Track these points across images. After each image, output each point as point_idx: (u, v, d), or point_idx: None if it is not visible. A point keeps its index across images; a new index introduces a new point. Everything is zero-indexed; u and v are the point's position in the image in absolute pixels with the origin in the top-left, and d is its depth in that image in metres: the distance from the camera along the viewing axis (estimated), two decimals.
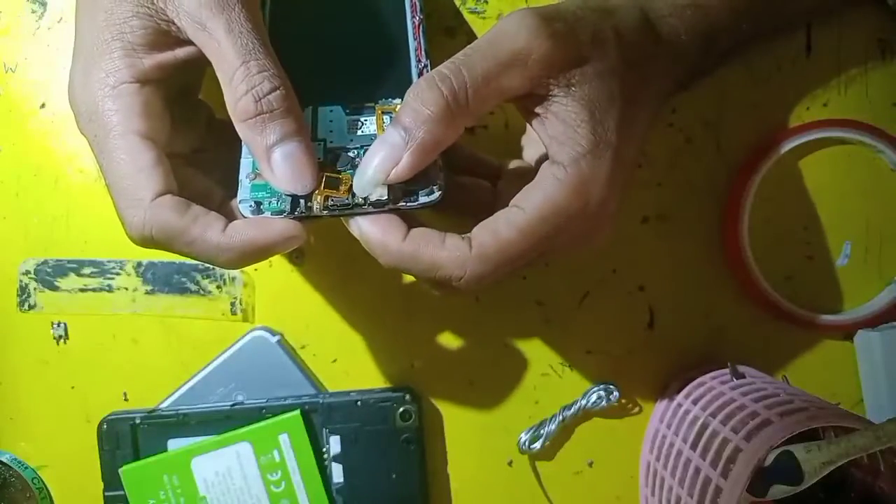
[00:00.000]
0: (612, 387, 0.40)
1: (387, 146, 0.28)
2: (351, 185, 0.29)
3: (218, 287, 0.41)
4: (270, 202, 0.29)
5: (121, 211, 0.29)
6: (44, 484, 0.41)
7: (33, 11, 0.42)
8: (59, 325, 0.41)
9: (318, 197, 0.29)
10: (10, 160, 0.42)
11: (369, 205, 0.29)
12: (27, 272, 0.41)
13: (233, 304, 0.41)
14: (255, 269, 0.41)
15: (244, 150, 0.31)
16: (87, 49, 0.30)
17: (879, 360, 0.39)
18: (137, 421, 0.39)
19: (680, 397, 0.38)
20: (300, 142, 0.28)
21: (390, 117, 0.31)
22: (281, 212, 0.29)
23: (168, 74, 0.30)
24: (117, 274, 0.41)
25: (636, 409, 0.41)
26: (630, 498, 0.41)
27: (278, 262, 0.41)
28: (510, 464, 0.41)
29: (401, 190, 0.29)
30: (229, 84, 0.28)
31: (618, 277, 0.41)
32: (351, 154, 0.31)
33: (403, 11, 0.35)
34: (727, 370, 0.38)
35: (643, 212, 0.41)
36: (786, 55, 0.40)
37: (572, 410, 0.40)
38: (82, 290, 0.41)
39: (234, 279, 0.41)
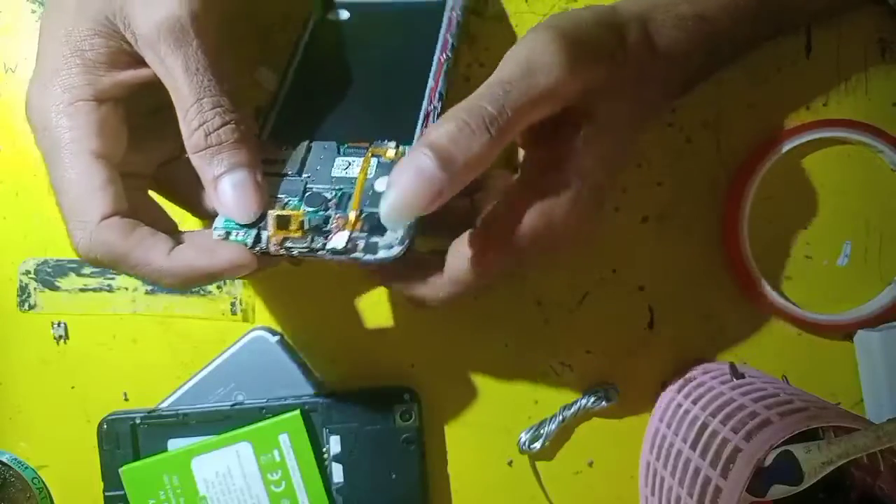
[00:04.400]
0: (612, 387, 0.40)
1: (425, 180, 0.26)
2: (303, 223, 0.29)
3: (218, 287, 0.41)
4: (238, 234, 0.30)
5: (68, 230, 0.29)
6: (44, 484, 0.41)
7: (33, 11, 0.42)
8: (59, 324, 0.41)
9: (274, 237, 0.29)
10: (10, 160, 0.42)
11: (327, 250, 0.29)
12: (27, 272, 0.41)
13: (233, 304, 0.41)
14: None
15: None
16: (47, 64, 0.29)
17: (879, 360, 0.39)
18: (137, 421, 0.39)
19: (680, 397, 0.38)
20: (247, 172, 0.29)
21: (378, 161, 0.31)
22: (244, 245, 0.30)
23: (128, 92, 0.30)
24: (117, 274, 0.41)
25: (636, 409, 0.41)
26: (630, 498, 0.41)
27: None
28: (510, 464, 0.41)
29: (362, 240, 0.29)
30: (184, 119, 0.29)
31: (618, 277, 0.41)
32: (327, 195, 0.31)
33: (434, 48, 0.34)
34: (727, 370, 0.38)
35: (643, 212, 0.41)
36: (785, 56, 0.40)
37: (572, 410, 0.40)
38: (82, 290, 0.41)
39: (233, 279, 0.41)
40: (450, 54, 0.34)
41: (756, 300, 0.40)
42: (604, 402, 0.40)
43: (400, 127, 0.32)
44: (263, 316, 0.41)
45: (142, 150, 0.32)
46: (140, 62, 0.29)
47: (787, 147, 0.39)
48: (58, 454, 0.41)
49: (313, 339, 0.41)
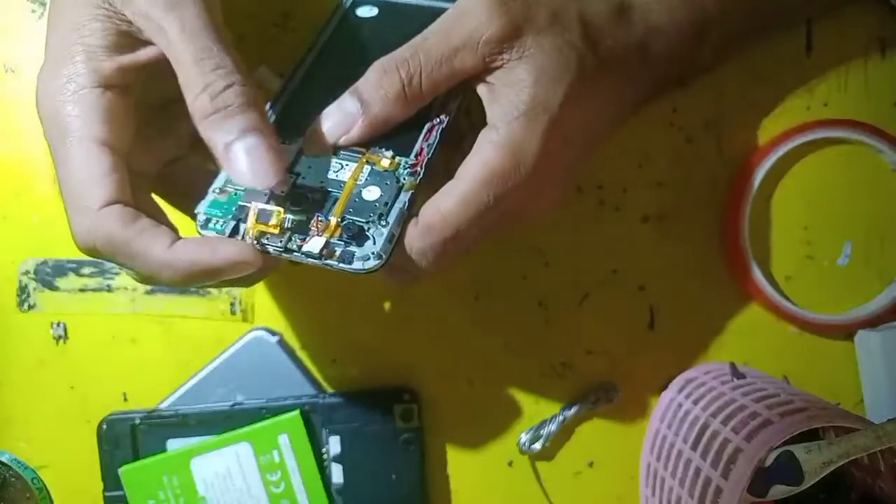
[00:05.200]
0: (612, 387, 0.40)
1: (341, 113, 0.30)
2: (283, 221, 0.29)
3: (217, 287, 0.41)
4: (217, 222, 0.29)
5: (69, 218, 0.29)
6: (44, 484, 0.41)
7: (33, 11, 0.42)
8: (58, 325, 0.41)
9: (252, 230, 0.29)
10: (10, 160, 0.42)
11: (302, 253, 0.28)
12: (27, 272, 0.41)
13: (232, 304, 0.41)
14: None
15: None
16: (52, 54, 0.29)
17: (879, 360, 0.39)
18: (137, 421, 0.39)
19: (680, 397, 0.38)
20: (260, 135, 0.28)
21: (371, 168, 0.30)
22: (221, 234, 0.29)
23: (132, 78, 0.30)
24: (117, 274, 0.41)
25: (636, 409, 0.41)
26: (630, 498, 0.41)
27: None
28: (510, 464, 0.41)
29: (339, 248, 0.29)
30: (186, 85, 0.28)
31: (618, 277, 0.41)
32: (313, 196, 0.30)
33: None
34: (727, 370, 0.38)
35: (643, 212, 0.41)
36: (786, 54, 0.40)
37: (572, 410, 0.40)
38: (82, 290, 0.41)
39: None
40: None
41: (756, 300, 0.40)
42: (604, 403, 0.40)
43: (402, 136, 0.31)
44: (263, 316, 0.41)
45: (148, 148, 0.32)
46: (139, 44, 0.29)
47: (787, 147, 0.39)
48: (58, 454, 0.41)
49: (313, 339, 0.41)
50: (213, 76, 0.28)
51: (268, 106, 0.33)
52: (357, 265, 0.28)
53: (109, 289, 0.41)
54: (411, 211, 0.30)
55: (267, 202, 0.29)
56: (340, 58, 0.35)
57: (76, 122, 0.28)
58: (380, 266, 0.28)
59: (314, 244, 0.28)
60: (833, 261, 0.41)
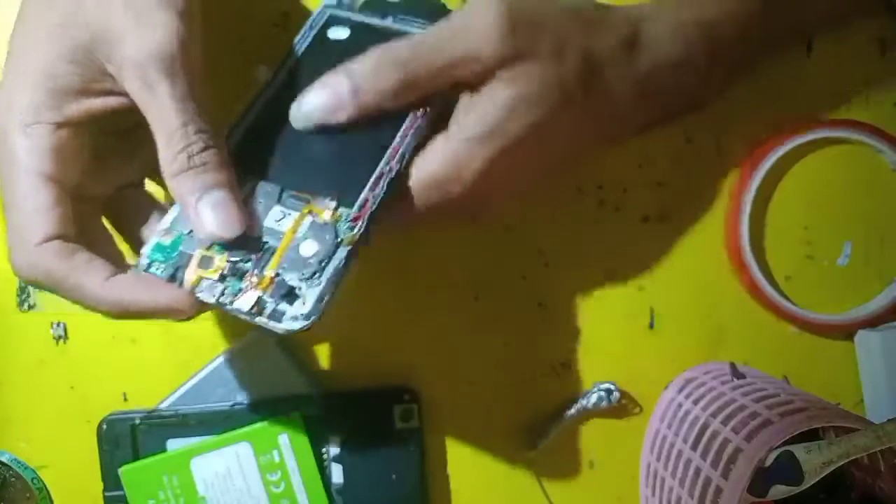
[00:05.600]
0: (612, 387, 0.40)
1: (333, 94, 0.30)
2: (222, 270, 0.29)
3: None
4: (158, 267, 0.30)
5: (9, 249, 0.29)
6: (44, 484, 0.41)
7: None
8: (58, 325, 0.41)
9: (190, 280, 0.29)
10: None
11: (234, 308, 0.28)
12: None
13: None
14: None
15: (174, 207, 0.31)
16: (15, 80, 0.29)
17: (879, 360, 0.39)
18: (137, 421, 0.39)
19: (680, 397, 0.39)
20: (227, 191, 0.29)
21: (313, 220, 0.30)
22: (159, 277, 0.29)
23: (93, 120, 0.30)
24: None
25: (636, 409, 0.41)
26: (630, 498, 0.41)
27: None
28: (510, 464, 0.41)
29: (270, 305, 0.28)
30: (168, 143, 0.28)
31: (618, 277, 0.41)
32: (253, 246, 0.29)
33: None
34: (727, 370, 0.38)
35: (643, 212, 0.41)
36: (786, 55, 0.40)
37: (572, 411, 0.40)
38: None
39: None
40: (426, 110, 0.31)
41: (756, 300, 0.40)
42: (604, 403, 0.40)
43: (350, 181, 0.30)
44: None
45: (103, 172, 0.32)
46: (108, 93, 0.29)
47: (787, 147, 0.39)
48: (58, 454, 0.41)
49: (313, 339, 0.41)
50: (196, 138, 0.29)
51: (227, 132, 0.32)
52: (285, 324, 0.28)
53: None
54: (349, 267, 0.29)
55: (208, 248, 0.29)
56: (300, 88, 0.32)
57: (25, 155, 0.28)
58: (309, 327, 0.28)
59: (246, 300, 0.28)
60: (833, 261, 0.41)
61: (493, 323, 0.41)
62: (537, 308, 0.41)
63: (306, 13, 0.41)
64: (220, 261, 0.29)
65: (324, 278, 0.28)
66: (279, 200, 0.30)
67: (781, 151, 0.39)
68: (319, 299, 0.28)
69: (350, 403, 0.39)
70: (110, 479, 0.39)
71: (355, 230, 0.29)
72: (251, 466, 0.38)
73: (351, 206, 0.30)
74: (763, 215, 0.40)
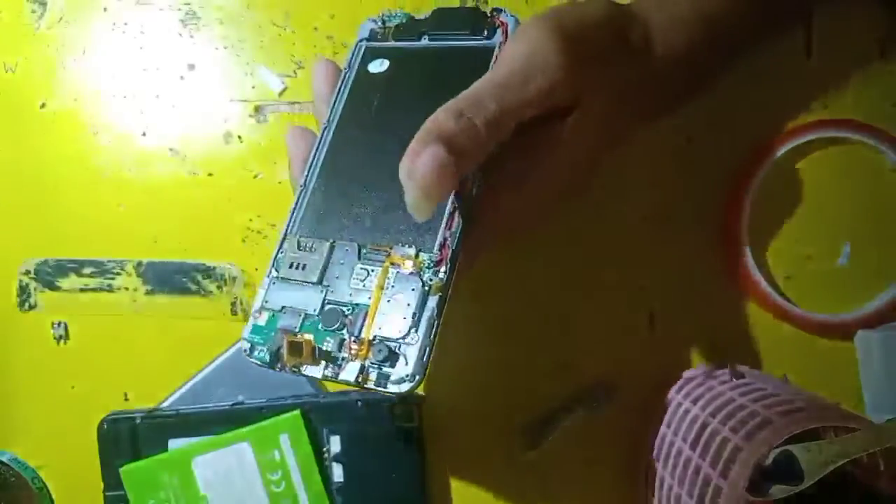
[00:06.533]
0: (612, 387, 0.40)
1: (441, 167, 0.27)
2: (314, 349, 0.28)
3: (218, 287, 0.41)
4: (260, 350, 0.29)
5: None
6: (44, 484, 0.41)
7: (33, 11, 0.42)
8: (59, 325, 0.41)
9: (288, 364, 0.29)
10: (10, 160, 0.42)
11: (340, 381, 0.28)
12: (27, 272, 0.41)
13: (233, 304, 0.41)
14: (256, 269, 0.41)
15: (263, 283, 0.31)
16: None
17: (879, 360, 0.39)
18: (137, 421, 0.39)
19: (680, 397, 0.38)
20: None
21: (398, 272, 0.29)
22: (264, 363, 0.29)
23: None
24: (117, 274, 0.41)
25: (636, 409, 0.41)
26: (630, 498, 0.41)
27: None
28: (510, 464, 0.41)
29: (374, 371, 0.28)
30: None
31: (618, 277, 0.41)
32: (344, 309, 0.29)
33: None
34: (727, 370, 0.38)
35: (643, 212, 0.41)
36: (786, 55, 0.40)
37: (572, 410, 0.40)
38: (82, 290, 0.41)
39: (234, 279, 0.41)
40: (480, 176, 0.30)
41: (756, 300, 0.40)
42: (604, 403, 0.40)
43: (424, 223, 0.29)
44: None
45: None
46: None
47: (787, 147, 0.39)
48: (58, 454, 0.41)
49: None
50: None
51: (294, 199, 0.32)
52: (392, 389, 0.27)
53: (110, 289, 0.41)
54: (442, 314, 0.28)
55: (301, 324, 0.29)
56: (364, 129, 0.32)
57: None
58: (416, 387, 0.27)
59: (350, 372, 0.28)
60: (833, 261, 0.41)
61: (492, 323, 0.41)
62: (537, 308, 0.41)
63: (307, 13, 0.42)
64: (308, 344, 0.28)
65: (420, 333, 0.28)
66: (360, 257, 0.30)
67: (781, 151, 0.39)
68: (420, 356, 0.27)
69: (350, 403, 0.39)
70: (111, 479, 0.39)
71: (441, 275, 0.28)
72: (251, 466, 0.38)
73: (431, 249, 0.29)
74: (763, 215, 0.40)
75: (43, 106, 0.42)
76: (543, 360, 0.41)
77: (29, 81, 0.42)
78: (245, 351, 0.30)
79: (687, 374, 0.40)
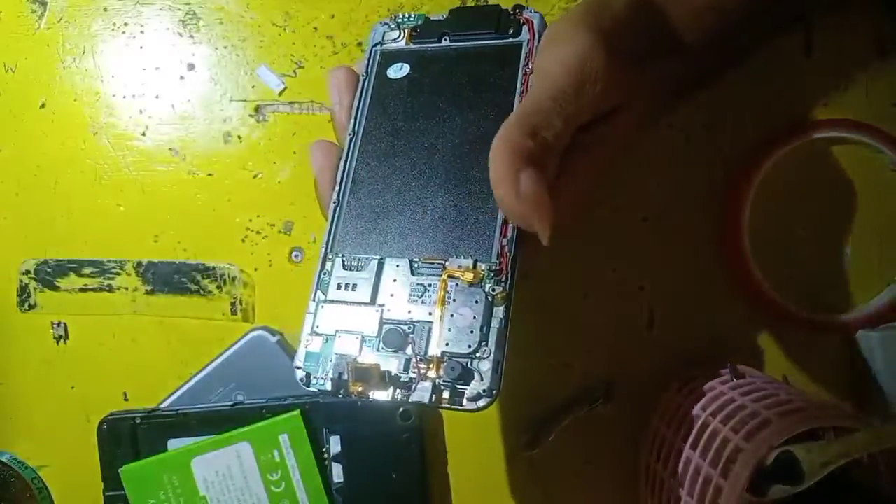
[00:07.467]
0: (612, 387, 0.40)
1: (539, 188, 0.27)
2: (383, 376, 0.27)
3: (218, 287, 0.41)
4: (318, 378, 0.28)
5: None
6: (44, 484, 0.41)
7: (33, 11, 0.42)
8: (59, 325, 0.41)
9: (354, 389, 0.27)
10: (10, 160, 0.42)
11: (412, 402, 0.27)
12: (27, 272, 0.41)
13: (233, 304, 0.41)
14: (256, 269, 0.41)
15: (309, 306, 0.29)
16: None
17: (879, 360, 0.39)
18: (137, 421, 0.39)
19: (680, 397, 0.38)
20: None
21: (457, 285, 0.28)
22: (325, 392, 0.28)
23: None
24: (117, 274, 0.41)
25: (636, 409, 0.41)
26: (630, 498, 0.41)
27: (278, 262, 0.41)
28: (510, 464, 0.41)
29: (447, 390, 0.27)
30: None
31: (618, 277, 0.41)
32: (405, 328, 0.28)
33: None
34: (727, 370, 0.38)
35: (643, 212, 0.41)
36: (786, 55, 0.40)
37: (572, 410, 0.40)
38: (82, 290, 0.41)
39: (234, 279, 0.41)
40: None
41: (756, 300, 0.40)
42: (604, 402, 0.40)
43: (477, 231, 0.28)
44: (263, 316, 0.41)
45: None
46: None
47: (786, 147, 0.39)
48: (58, 454, 0.41)
49: None
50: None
51: (329, 216, 0.31)
52: (468, 406, 0.26)
53: (110, 289, 0.41)
54: (509, 326, 0.27)
55: (360, 347, 0.28)
56: (392, 137, 0.31)
57: None
58: (493, 401, 0.26)
59: (422, 392, 0.27)
60: (833, 261, 0.41)
61: None
62: (537, 308, 0.41)
63: (307, 13, 0.42)
64: (375, 369, 0.27)
65: (491, 346, 0.27)
66: (413, 272, 0.29)
67: (781, 151, 0.39)
68: (495, 370, 0.27)
69: (350, 403, 0.39)
70: (110, 479, 0.39)
71: (504, 285, 0.28)
72: (251, 466, 0.38)
73: (486, 258, 0.28)
74: (763, 215, 0.40)
75: (43, 106, 0.42)
76: (543, 360, 0.41)
77: (29, 81, 0.42)
78: (301, 380, 0.28)
79: (687, 374, 0.40)
